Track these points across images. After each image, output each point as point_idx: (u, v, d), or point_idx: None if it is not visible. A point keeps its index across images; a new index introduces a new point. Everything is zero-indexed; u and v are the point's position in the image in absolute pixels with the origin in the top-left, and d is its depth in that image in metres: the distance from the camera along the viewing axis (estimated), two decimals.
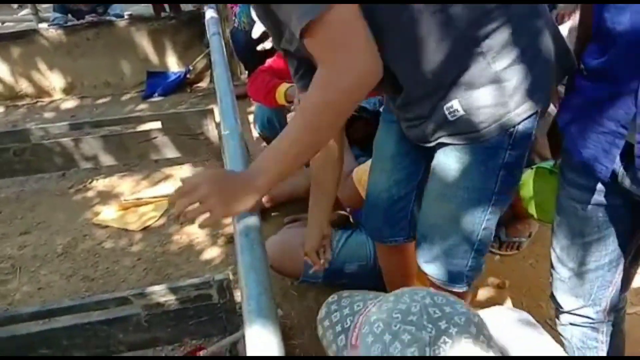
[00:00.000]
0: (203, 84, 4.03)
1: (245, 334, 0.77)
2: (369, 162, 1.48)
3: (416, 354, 0.62)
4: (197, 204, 0.91)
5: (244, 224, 0.95)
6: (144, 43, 3.98)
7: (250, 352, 0.72)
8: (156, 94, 3.91)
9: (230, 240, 2.24)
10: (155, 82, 3.96)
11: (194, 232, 2.32)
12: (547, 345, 0.80)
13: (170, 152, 2.74)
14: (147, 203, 2.49)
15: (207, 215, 0.92)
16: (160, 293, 1.50)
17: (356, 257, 1.77)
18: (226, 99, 1.58)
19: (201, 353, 1.57)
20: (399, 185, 1.22)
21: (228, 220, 2.33)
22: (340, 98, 0.87)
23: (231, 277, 1.57)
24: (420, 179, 1.22)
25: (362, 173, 1.64)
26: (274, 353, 0.70)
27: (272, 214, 2.30)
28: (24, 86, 4.02)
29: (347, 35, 0.82)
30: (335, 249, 1.74)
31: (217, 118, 2.67)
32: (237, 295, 1.74)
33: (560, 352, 0.81)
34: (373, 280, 1.62)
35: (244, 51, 3.41)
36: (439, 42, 0.91)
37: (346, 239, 1.79)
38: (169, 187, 2.67)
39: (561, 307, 1.16)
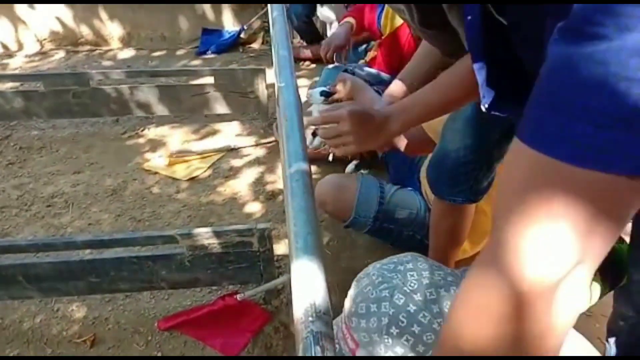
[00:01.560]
0: (255, 45, 4.07)
1: (290, 274, 0.82)
2: None
3: (401, 297, 0.77)
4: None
5: (295, 168, 0.98)
6: None
7: (295, 289, 0.76)
8: (209, 51, 3.97)
9: (270, 196, 2.31)
10: (210, 39, 4.02)
11: (238, 186, 2.39)
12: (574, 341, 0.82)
13: (221, 108, 2.80)
14: (194, 157, 2.57)
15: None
16: (205, 235, 1.57)
17: (407, 205, 1.79)
18: (283, 52, 1.59)
19: (238, 297, 1.64)
20: (469, 149, 1.23)
21: (270, 177, 2.40)
22: None
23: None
24: (492, 148, 1.23)
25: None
26: (319, 290, 0.74)
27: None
28: (85, 33, 4.15)
29: None
30: (387, 193, 1.78)
31: (268, 78, 2.72)
32: (277, 247, 1.81)
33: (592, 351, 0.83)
34: (420, 231, 1.66)
35: (300, 18, 3.46)
36: None
37: (398, 189, 1.82)
38: (215, 142, 2.74)
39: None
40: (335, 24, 2.89)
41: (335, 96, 1.68)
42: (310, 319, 0.68)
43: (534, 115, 0.43)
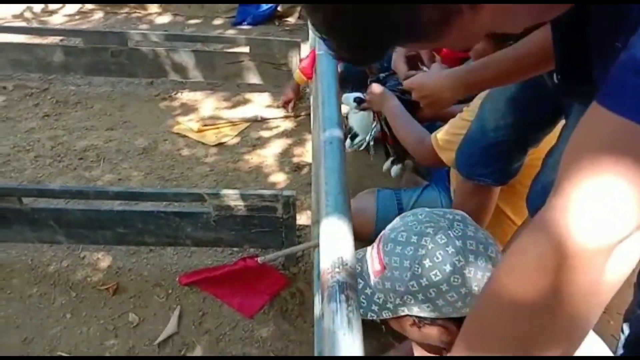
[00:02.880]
0: (291, 19, 4.07)
1: (319, 230, 0.84)
2: (445, 126, 1.50)
3: (444, 238, 0.81)
4: None
5: (329, 132, 1.01)
6: None
7: (323, 242, 0.79)
8: (245, 22, 3.99)
9: (296, 168, 2.33)
10: (247, 10, 4.03)
11: (265, 155, 2.42)
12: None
13: (254, 78, 2.82)
14: (221, 126, 2.60)
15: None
16: (232, 197, 1.61)
17: (430, 207, 1.79)
18: None
19: (258, 260, 1.68)
20: (509, 128, 1.24)
21: (297, 150, 2.43)
22: None
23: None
24: (529, 131, 1.24)
25: (442, 138, 1.65)
26: (346, 245, 0.77)
27: None
28: None
29: None
30: (406, 203, 1.79)
31: (303, 52, 2.72)
32: (298, 217, 1.84)
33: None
34: None
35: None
36: None
37: (418, 197, 1.82)
38: (246, 111, 2.77)
39: None
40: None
41: (366, 104, 1.78)
42: (337, 269, 0.71)
43: (618, 82, 0.44)
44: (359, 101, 1.78)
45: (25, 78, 3.01)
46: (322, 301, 0.69)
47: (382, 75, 1.87)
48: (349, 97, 1.81)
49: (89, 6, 4.21)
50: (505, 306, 0.47)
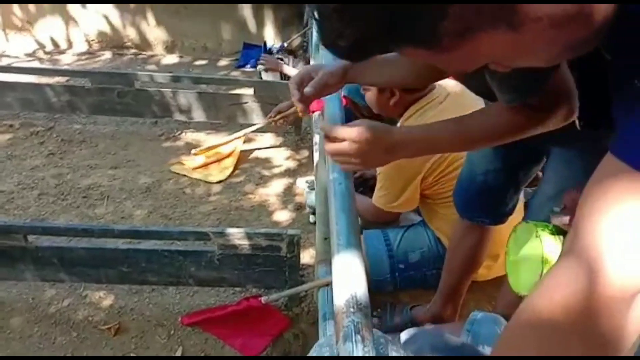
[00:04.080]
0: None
1: (333, 269, 0.85)
2: (377, 189, 1.67)
3: None
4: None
5: (338, 172, 1.03)
6: (246, 14, 4.16)
7: (336, 282, 0.79)
8: (249, 65, 4.08)
9: (298, 207, 2.35)
10: (250, 53, 4.13)
11: (268, 194, 2.44)
12: None
13: (257, 119, 2.87)
14: (217, 147, 2.64)
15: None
16: (237, 235, 1.61)
17: (417, 245, 1.81)
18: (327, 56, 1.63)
19: (262, 300, 1.67)
20: (497, 172, 1.26)
21: (300, 189, 2.44)
22: None
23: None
24: (518, 170, 1.26)
25: (381, 201, 1.76)
26: (359, 284, 0.77)
27: None
28: (132, 37, 4.31)
29: None
30: (393, 242, 1.80)
31: None
32: (303, 256, 1.84)
33: None
34: (439, 262, 1.67)
35: None
36: None
37: (403, 233, 1.83)
38: (249, 148, 2.81)
39: None
40: None
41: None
42: (352, 310, 0.71)
43: (633, 134, 0.46)
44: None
45: (31, 117, 3.05)
46: (337, 342, 0.69)
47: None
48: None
49: (96, 46, 4.31)
50: (537, 328, 0.48)
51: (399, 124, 1.71)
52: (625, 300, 0.45)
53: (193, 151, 2.66)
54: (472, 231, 1.45)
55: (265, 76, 3.18)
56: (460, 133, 0.93)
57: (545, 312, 0.47)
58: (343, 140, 0.93)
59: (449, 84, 1.71)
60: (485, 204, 1.35)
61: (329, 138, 0.96)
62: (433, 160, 1.63)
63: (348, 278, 0.77)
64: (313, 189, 1.89)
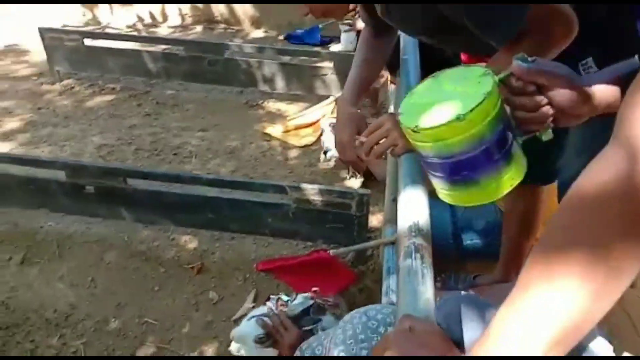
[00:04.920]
0: None
1: (398, 199, 0.93)
2: None
3: None
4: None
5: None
6: None
7: (401, 210, 0.88)
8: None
9: (371, 175, 2.43)
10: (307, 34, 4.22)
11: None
12: None
13: (336, 90, 2.97)
14: (307, 126, 2.76)
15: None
16: (311, 191, 1.73)
17: (481, 214, 1.84)
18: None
19: (331, 252, 1.78)
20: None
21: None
22: None
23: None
24: (561, 132, 1.28)
25: None
26: (422, 212, 0.85)
27: None
28: (222, 12, 4.54)
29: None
30: (458, 210, 1.83)
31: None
32: (371, 219, 1.93)
33: None
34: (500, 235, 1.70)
35: None
36: None
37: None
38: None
39: None
40: None
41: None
42: (413, 233, 0.80)
43: None
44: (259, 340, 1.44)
45: (131, 81, 3.33)
46: (397, 260, 0.78)
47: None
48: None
49: (189, 20, 4.58)
50: (585, 201, 0.52)
51: None
52: None
53: (288, 118, 2.82)
54: (524, 194, 1.47)
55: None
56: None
57: (589, 193, 0.51)
58: (379, 126, 1.03)
59: None
60: (532, 164, 1.37)
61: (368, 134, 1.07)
62: None
63: (412, 206, 0.86)
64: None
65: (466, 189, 0.79)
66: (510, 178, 0.79)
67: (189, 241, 2.01)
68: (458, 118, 0.69)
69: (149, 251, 1.98)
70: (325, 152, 2.44)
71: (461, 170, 0.76)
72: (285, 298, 1.53)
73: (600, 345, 0.74)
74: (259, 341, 1.43)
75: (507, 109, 0.76)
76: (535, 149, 1.33)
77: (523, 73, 0.72)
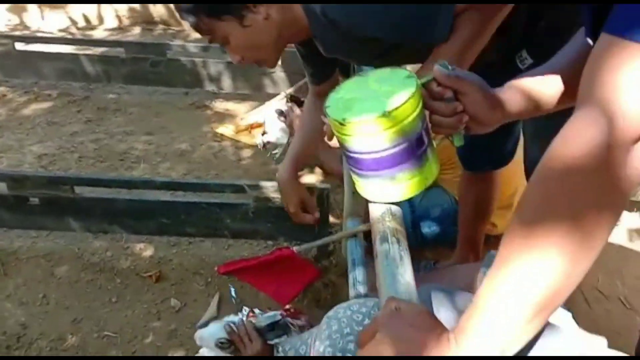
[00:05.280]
0: None
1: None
2: None
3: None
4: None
5: None
6: None
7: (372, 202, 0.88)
8: None
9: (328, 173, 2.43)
10: None
11: None
12: None
13: (285, 87, 2.95)
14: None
15: None
16: (270, 189, 1.71)
17: (437, 201, 1.90)
18: None
19: (294, 249, 1.76)
20: None
21: None
22: None
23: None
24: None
25: None
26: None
27: None
28: (161, 12, 4.41)
29: None
30: (416, 199, 1.87)
31: None
32: (330, 215, 1.92)
33: None
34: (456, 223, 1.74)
35: None
36: None
37: (425, 192, 1.90)
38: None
39: None
40: None
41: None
42: (387, 218, 0.80)
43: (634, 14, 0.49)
44: (220, 344, 1.43)
45: (69, 86, 3.18)
46: (374, 243, 0.78)
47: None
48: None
49: (126, 22, 4.42)
50: (559, 170, 0.53)
51: None
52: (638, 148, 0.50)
53: (240, 117, 2.80)
54: (476, 180, 1.53)
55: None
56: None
57: (564, 158, 0.52)
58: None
59: None
60: (482, 150, 1.42)
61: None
62: None
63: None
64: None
65: (381, 184, 0.83)
66: (423, 178, 0.85)
67: (144, 249, 1.94)
68: (384, 114, 0.73)
69: (102, 262, 1.89)
70: (264, 146, 2.51)
71: (380, 165, 0.80)
72: (257, 311, 1.53)
73: (560, 313, 0.78)
74: (220, 345, 1.43)
75: (427, 113, 0.81)
76: (481, 136, 1.39)
77: (443, 78, 0.77)
